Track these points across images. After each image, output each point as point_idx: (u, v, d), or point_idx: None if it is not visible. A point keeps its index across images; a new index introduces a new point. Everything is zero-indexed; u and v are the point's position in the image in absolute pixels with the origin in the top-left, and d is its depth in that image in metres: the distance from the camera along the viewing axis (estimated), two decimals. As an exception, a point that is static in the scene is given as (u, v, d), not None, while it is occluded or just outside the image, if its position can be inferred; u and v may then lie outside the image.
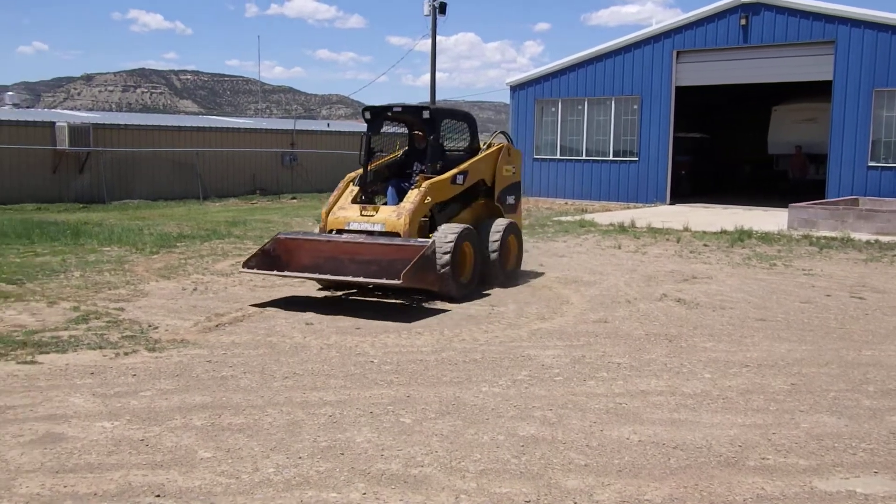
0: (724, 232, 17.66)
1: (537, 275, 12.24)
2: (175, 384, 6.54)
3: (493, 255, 10.97)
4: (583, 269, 12.92)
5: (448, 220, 10.81)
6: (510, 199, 12.18)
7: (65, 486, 4.56)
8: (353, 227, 10.58)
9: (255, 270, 10.11)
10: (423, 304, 9.92)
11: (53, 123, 28.93)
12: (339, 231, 10.69)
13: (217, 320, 8.83)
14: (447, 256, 9.78)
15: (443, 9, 39.84)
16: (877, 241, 16.23)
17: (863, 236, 16.89)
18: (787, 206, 19.39)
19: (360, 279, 9.71)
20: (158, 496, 4.45)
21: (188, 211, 24.19)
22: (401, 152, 12.07)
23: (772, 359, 7.57)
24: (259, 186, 31.89)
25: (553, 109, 27.52)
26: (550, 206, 25.38)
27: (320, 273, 9.90)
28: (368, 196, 11.24)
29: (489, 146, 12.03)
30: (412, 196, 10.52)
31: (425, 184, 10.55)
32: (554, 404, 6.16)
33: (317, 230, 11.53)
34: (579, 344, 8.09)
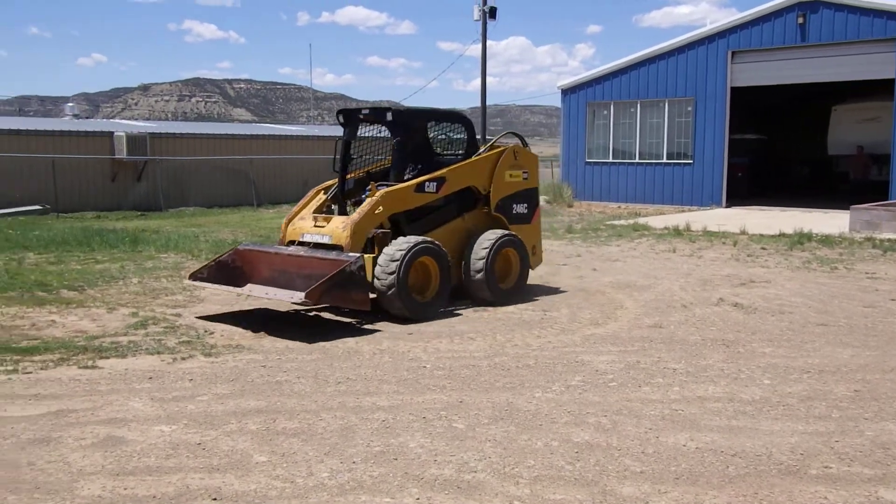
0: (782, 235, 17.30)
1: (590, 280, 12.13)
2: (230, 389, 6.61)
3: (478, 275, 9.98)
4: (637, 273, 12.78)
5: (423, 233, 9.87)
6: (519, 209, 10.92)
7: (125, 489, 4.64)
8: (306, 238, 9.90)
9: (201, 282, 9.75)
10: (474, 311, 9.89)
11: (112, 133, 29.60)
12: (293, 242, 10.06)
13: (271, 325, 8.92)
14: (392, 277, 8.97)
15: (493, 13, 39.78)
16: (942, 243, 15.77)
17: (927, 238, 16.42)
18: (847, 208, 18.93)
19: (265, 295, 9.08)
20: (215, 499, 4.50)
21: (242, 218, 24.52)
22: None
23: (834, 365, 7.39)
24: (312, 193, 32.16)
25: (605, 112, 27.31)
26: (603, 210, 25.18)
27: (274, 286, 9.31)
28: (342, 207, 10.59)
29: (491, 148, 10.91)
30: (363, 206, 9.65)
31: (378, 193, 9.66)
32: (608, 410, 6.09)
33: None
34: (634, 349, 7.99)
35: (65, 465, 4.99)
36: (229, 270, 9.89)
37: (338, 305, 9.17)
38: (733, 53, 24.76)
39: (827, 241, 16.36)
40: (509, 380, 6.90)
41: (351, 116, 10.64)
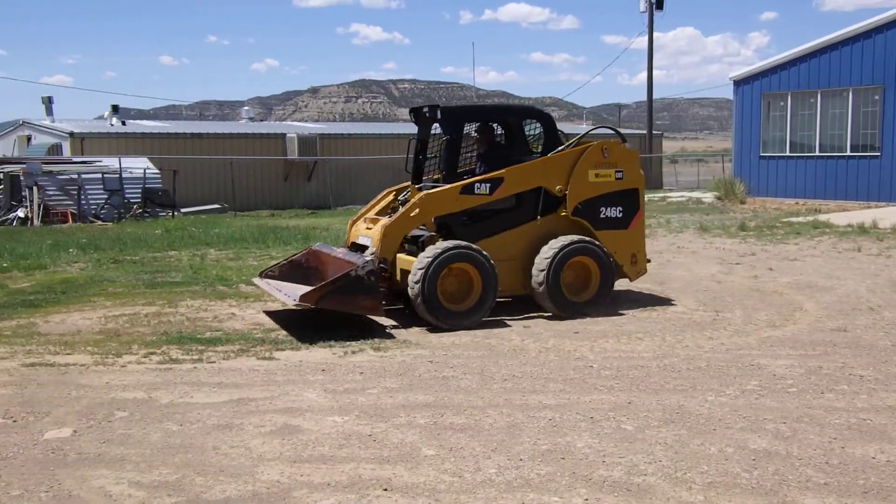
0: (982, 233, 15.92)
1: (766, 280, 11.60)
2: (399, 383, 6.76)
3: (539, 287, 9.15)
4: (817, 273, 12.10)
5: (480, 238, 9.25)
6: (609, 212, 9.69)
7: (301, 475, 4.83)
8: (360, 240, 9.72)
9: (266, 280, 9.72)
10: (642, 311, 9.67)
11: (284, 135, 31.00)
12: (352, 244, 9.93)
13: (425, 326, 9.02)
14: (417, 285, 8.57)
15: (660, 4, 38.88)
16: None
17: None
18: None
19: (275, 293, 9.05)
20: (386, 490, 4.61)
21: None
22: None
23: None
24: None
25: (781, 104, 26.00)
26: (779, 207, 24.01)
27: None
28: None
29: (578, 144, 9.82)
30: (401, 209, 9.33)
31: (417, 196, 9.29)
32: (788, 417, 5.78)
33: None
34: (815, 353, 7.56)
35: (246, 451, 5.25)
36: (302, 270, 9.91)
37: (346, 311, 8.62)
38: (926, 37, 22.97)
39: None
40: (680, 382, 6.69)
41: (419, 115, 10.13)
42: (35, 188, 23.30)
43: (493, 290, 8.92)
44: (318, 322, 8.90)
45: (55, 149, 29.97)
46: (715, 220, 20.51)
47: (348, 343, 8.14)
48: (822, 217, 19.91)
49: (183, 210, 25.90)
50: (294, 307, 8.75)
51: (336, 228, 19.97)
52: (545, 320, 9.11)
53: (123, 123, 32.20)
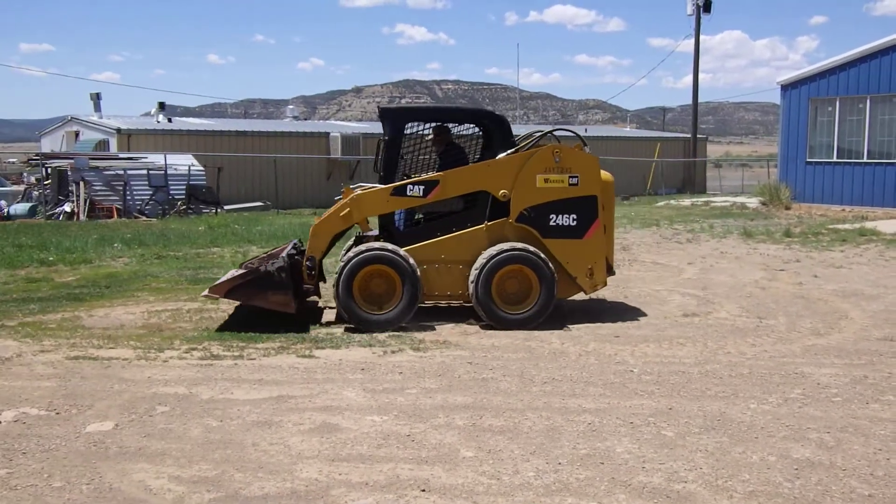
0: None
1: (811, 287, 11.40)
2: (438, 383, 6.75)
3: (471, 296, 8.87)
4: (863, 281, 11.86)
5: (420, 241, 9.09)
6: (561, 220, 9.06)
7: (339, 474, 4.84)
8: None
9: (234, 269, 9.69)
10: (683, 316, 9.56)
11: (328, 134, 31.16)
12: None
13: (476, 323, 9.01)
14: (335, 288, 8.71)
15: (707, 7, 38.48)
16: None
17: None
18: None
19: (205, 294, 9.00)
20: (424, 490, 4.60)
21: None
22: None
23: None
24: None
25: (829, 109, 25.55)
26: (825, 213, 23.60)
27: None
28: None
29: (527, 146, 9.29)
30: (332, 208, 9.28)
31: (349, 196, 9.14)
32: (832, 427, 5.67)
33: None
34: (861, 363, 7.41)
35: (285, 448, 5.28)
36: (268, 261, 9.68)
37: (256, 305, 8.79)
38: (981, 42, 22.43)
39: None
40: (721, 389, 6.59)
41: (385, 115, 9.64)
42: (82, 183, 23.70)
43: (414, 292, 8.72)
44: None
45: (102, 145, 30.46)
46: (759, 225, 20.22)
47: (388, 342, 8.16)
48: (869, 224, 19.52)
49: (226, 207, 26.17)
50: (203, 297, 9.11)
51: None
52: (586, 324, 9.04)
53: (170, 121, 32.64)
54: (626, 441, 5.39)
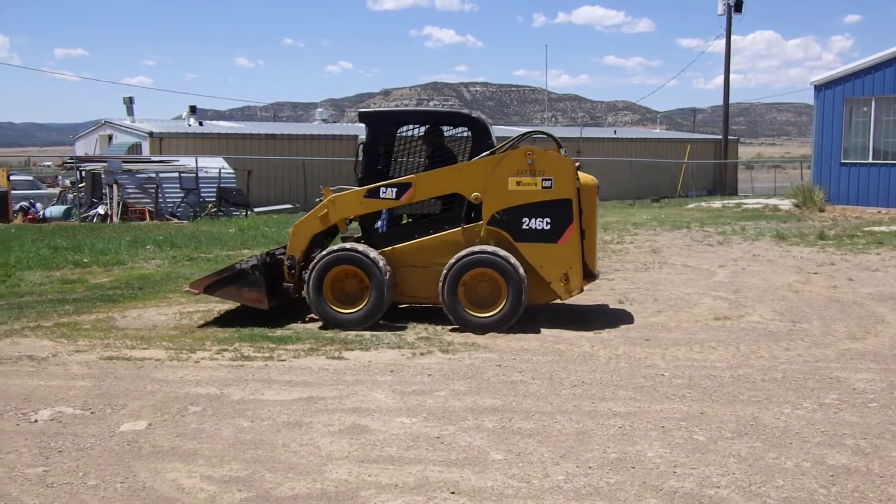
0: None
1: (846, 290, 11.24)
2: (467, 386, 6.74)
3: (440, 298, 8.84)
4: (900, 284, 11.68)
5: (395, 242, 9.16)
6: (534, 224, 8.86)
7: (369, 475, 4.85)
8: None
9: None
10: (715, 319, 9.47)
11: (356, 136, 31.22)
12: None
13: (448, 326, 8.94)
14: (307, 285, 8.95)
15: (738, 6, 38.14)
16: None
17: None
18: None
19: (186, 289, 9.74)
20: (453, 493, 4.59)
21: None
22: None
23: None
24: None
25: (864, 109, 25.20)
26: (860, 216, 23.28)
27: None
28: None
29: (503, 149, 9.14)
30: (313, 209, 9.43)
31: (328, 198, 9.28)
32: (868, 433, 5.59)
33: None
34: (897, 367, 7.30)
35: (315, 449, 5.30)
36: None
37: (232, 301, 9.43)
38: None
39: None
40: (754, 393, 6.52)
41: (365, 119, 9.69)
42: (115, 186, 24.00)
43: (381, 292, 8.77)
44: (385, 324, 8.96)
45: (135, 148, 30.83)
46: (792, 227, 19.99)
47: (417, 344, 8.17)
48: (906, 227, 19.23)
49: (256, 209, 26.36)
50: (186, 291, 9.83)
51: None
52: (615, 327, 8.99)
53: (200, 124, 32.96)
54: (657, 445, 5.35)
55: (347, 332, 8.69)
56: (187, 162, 26.56)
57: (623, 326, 9.04)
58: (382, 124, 9.54)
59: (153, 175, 25.13)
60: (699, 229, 20.06)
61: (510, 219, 8.90)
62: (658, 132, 53.70)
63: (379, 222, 9.66)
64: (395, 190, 9.10)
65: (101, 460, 5.11)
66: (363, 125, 9.57)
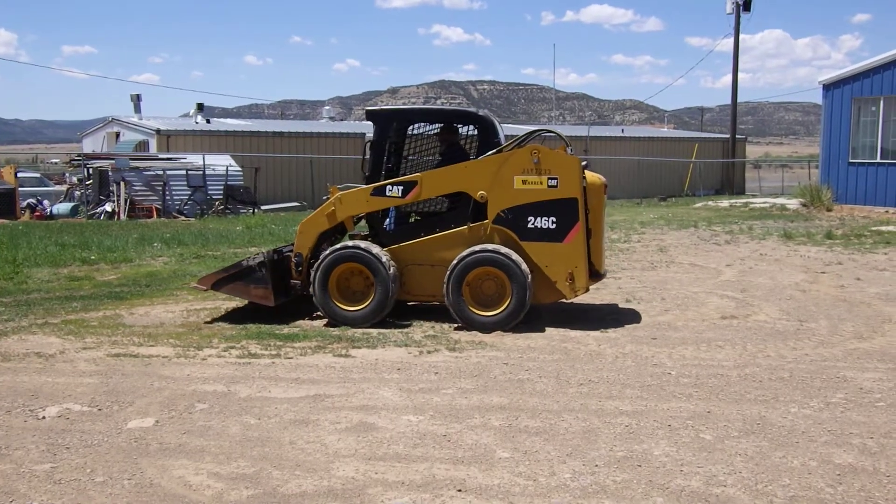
0: None
1: (854, 290, 11.21)
2: (474, 384, 6.74)
3: (444, 297, 8.83)
4: (908, 284, 11.64)
5: (402, 240, 9.18)
6: (539, 223, 8.82)
7: (375, 473, 4.86)
8: None
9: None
10: (721, 318, 9.46)
11: (364, 134, 31.25)
12: None
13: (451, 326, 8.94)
14: (312, 283, 8.99)
15: (747, 5, 38.06)
16: None
17: None
18: None
19: (194, 285, 10.00)
20: (460, 490, 4.60)
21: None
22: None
23: None
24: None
25: (873, 108, 25.11)
26: (868, 216, 23.21)
27: None
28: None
29: (510, 147, 9.05)
30: (321, 207, 9.47)
31: (335, 195, 9.32)
32: (875, 432, 5.58)
33: None
34: (905, 367, 7.28)
35: (322, 447, 5.31)
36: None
37: (239, 297, 9.56)
38: None
39: None
40: (761, 392, 6.51)
41: (372, 117, 9.72)
42: (122, 183, 24.05)
43: (386, 290, 8.80)
44: (391, 322, 8.97)
45: (142, 145, 30.88)
46: (800, 227, 19.95)
47: (424, 343, 8.18)
48: (914, 226, 19.18)
49: (263, 207, 26.39)
50: (193, 288, 10.03)
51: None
52: (622, 326, 8.98)
53: (208, 121, 32.99)
54: (663, 444, 5.35)
55: (354, 330, 8.70)
56: (195, 159, 26.61)
57: (630, 325, 9.03)
58: (390, 122, 9.55)
59: (160, 172, 25.18)
60: (706, 228, 20.03)
61: (515, 218, 8.87)
62: (666, 131, 53.61)
63: (388, 220, 9.67)
64: (401, 188, 9.11)
65: (109, 457, 5.13)
66: (371, 123, 9.61)
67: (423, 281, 9.15)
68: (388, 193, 9.17)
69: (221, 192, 25.67)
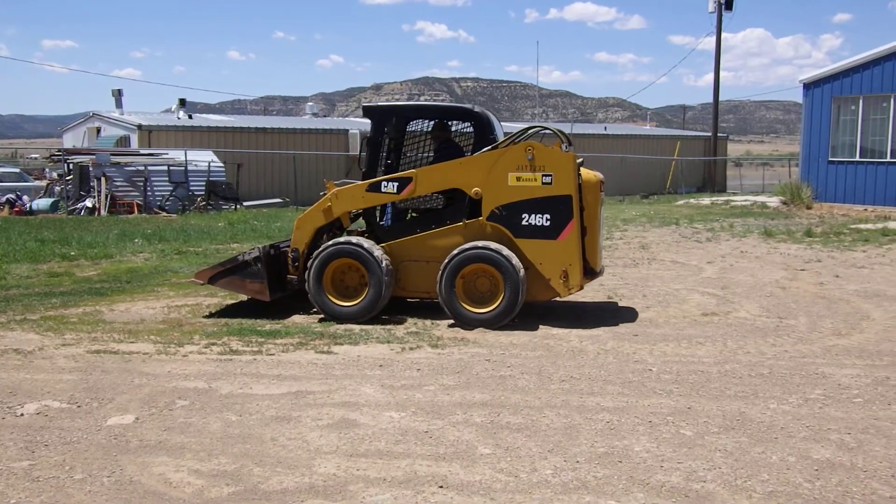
0: None
1: (832, 287, 11.31)
2: (456, 380, 6.75)
3: (438, 293, 8.86)
4: (886, 282, 11.75)
5: (399, 236, 9.24)
6: (533, 220, 8.78)
7: (357, 469, 4.85)
8: None
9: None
10: (702, 315, 9.52)
11: (347, 131, 31.21)
12: None
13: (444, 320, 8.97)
14: (308, 279, 9.03)
15: (729, 4, 38.27)
16: None
17: None
18: None
19: (191, 279, 10.18)
20: (441, 487, 4.60)
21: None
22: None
23: None
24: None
25: (853, 107, 25.32)
26: (847, 213, 23.41)
27: None
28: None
29: (505, 144, 9.02)
30: (318, 202, 9.51)
31: (332, 191, 9.35)
32: (853, 428, 5.63)
33: None
34: (882, 364, 7.34)
35: (303, 443, 5.30)
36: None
37: (236, 292, 9.62)
38: None
39: None
40: (741, 388, 6.55)
41: (369, 113, 9.79)
42: (103, 179, 23.88)
43: (379, 286, 8.83)
44: (376, 318, 8.97)
45: (123, 141, 30.68)
46: (780, 224, 20.09)
47: (406, 339, 8.18)
48: (892, 224, 19.35)
49: (245, 203, 26.28)
50: (190, 282, 10.14)
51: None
52: (604, 323, 9.01)
53: (190, 117, 32.82)
54: (644, 440, 5.37)
55: (337, 327, 8.69)
56: (176, 155, 26.45)
57: (612, 322, 9.07)
58: (386, 118, 9.55)
59: (142, 168, 25.02)
60: (688, 226, 20.14)
61: (510, 214, 8.85)
62: (648, 129, 53.82)
63: (384, 216, 9.69)
64: (396, 184, 9.13)
65: (88, 454, 5.10)
66: (367, 119, 9.65)
67: (419, 277, 9.15)
68: (383, 190, 9.19)
69: (203, 188, 25.53)
